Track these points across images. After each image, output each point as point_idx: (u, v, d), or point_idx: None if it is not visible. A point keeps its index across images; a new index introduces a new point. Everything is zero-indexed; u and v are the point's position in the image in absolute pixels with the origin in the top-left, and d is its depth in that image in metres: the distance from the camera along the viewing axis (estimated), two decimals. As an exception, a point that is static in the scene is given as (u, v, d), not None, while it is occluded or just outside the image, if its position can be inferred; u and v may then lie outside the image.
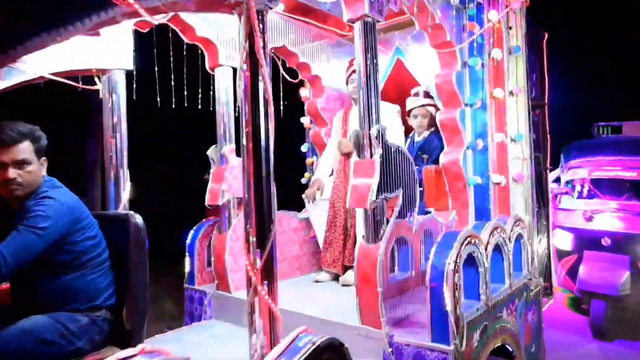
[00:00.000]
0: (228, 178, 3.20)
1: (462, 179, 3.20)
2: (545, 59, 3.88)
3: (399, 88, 4.03)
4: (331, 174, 3.79)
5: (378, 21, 2.43)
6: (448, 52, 3.19)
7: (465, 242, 2.26)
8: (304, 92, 4.31)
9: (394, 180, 2.43)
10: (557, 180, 6.72)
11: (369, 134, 2.33)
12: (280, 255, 3.60)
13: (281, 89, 4.25)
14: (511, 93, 3.24)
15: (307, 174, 4.28)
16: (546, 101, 3.84)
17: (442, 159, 3.23)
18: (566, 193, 6.18)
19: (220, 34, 3.20)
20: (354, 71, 3.71)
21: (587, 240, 5.62)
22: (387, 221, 2.43)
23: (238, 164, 3.27)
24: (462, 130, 3.19)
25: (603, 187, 5.95)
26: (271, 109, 1.66)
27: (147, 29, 2.88)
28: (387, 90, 4.12)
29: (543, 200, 3.77)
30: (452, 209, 3.24)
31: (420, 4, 2.80)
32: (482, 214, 3.21)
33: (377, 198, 2.29)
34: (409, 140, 3.65)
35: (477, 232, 2.46)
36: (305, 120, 4.34)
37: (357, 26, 2.40)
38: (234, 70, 3.32)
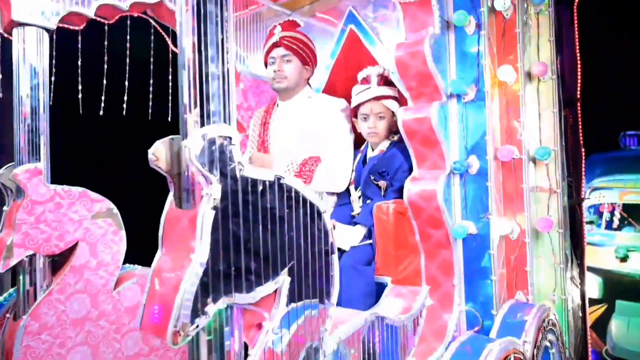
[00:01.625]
0: (23, 222, 1.79)
1: (443, 226, 1.80)
2: (577, 30, 2.48)
3: (353, 75, 2.64)
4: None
5: None
6: (416, 3, 1.81)
7: None
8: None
9: (266, 255, 1.03)
10: (577, 203, 5.32)
11: (185, 148, 0.93)
12: (130, 349, 2.18)
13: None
14: (529, 76, 1.85)
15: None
16: (579, 95, 2.44)
17: (409, 188, 1.84)
18: (590, 222, 4.77)
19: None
20: (275, 44, 2.33)
21: (620, 287, 4.27)
22: (245, 355, 1.03)
23: (49, 197, 1.87)
24: (442, 141, 1.80)
25: (640, 216, 4.54)
26: None
27: None
28: (335, 78, 2.73)
29: (576, 252, 2.36)
30: (426, 282, 1.83)
31: None
32: (478, 291, 1.80)
33: (200, 313, 0.89)
34: (359, 156, 2.24)
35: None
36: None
37: None
38: (50, 32, 1.94)
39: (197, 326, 0.88)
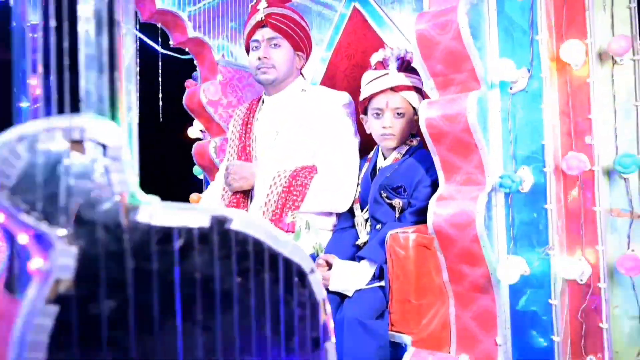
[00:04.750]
0: None
1: (482, 263, 1.31)
2: None
3: (357, 63, 2.15)
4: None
5: None
6: (447, -45, 1.31)
7: None
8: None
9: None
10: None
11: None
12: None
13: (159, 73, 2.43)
14: (600, 56, 1.34)
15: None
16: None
17: (435, 211, 1.34)
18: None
19: None
20: (260, 24, 1.83)
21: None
22: None
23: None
24: (481, 146, 1.30)
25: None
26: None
27: None
28: (335, 68, 2.24)
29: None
30: (457, 338, 1.33)
31: None
32: (532, 355, 1.30)
33: None
34: (366, 166, 1.73)
35: None
36: (194, 128, 2.51)
37: None
38: None
39: None
